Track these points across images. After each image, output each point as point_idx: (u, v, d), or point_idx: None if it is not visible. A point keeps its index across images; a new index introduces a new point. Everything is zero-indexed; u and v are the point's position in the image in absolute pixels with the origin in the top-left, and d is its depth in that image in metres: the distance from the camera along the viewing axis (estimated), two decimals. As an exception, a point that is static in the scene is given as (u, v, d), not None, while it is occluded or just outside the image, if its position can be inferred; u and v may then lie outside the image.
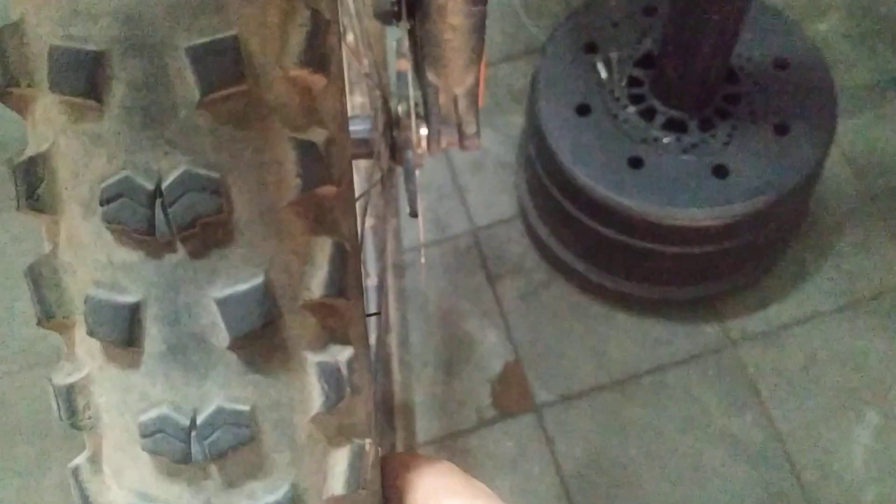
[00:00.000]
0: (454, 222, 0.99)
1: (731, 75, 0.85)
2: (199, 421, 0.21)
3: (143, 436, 0.22)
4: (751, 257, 0.88)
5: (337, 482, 0.23)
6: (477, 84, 0.39)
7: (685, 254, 0.84)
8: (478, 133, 0.41)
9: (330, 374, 0.22)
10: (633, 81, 0.86)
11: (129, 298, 0.21)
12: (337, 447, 0.23)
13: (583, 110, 0.85)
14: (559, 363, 0.92)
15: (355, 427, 0.23)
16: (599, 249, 0.88)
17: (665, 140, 0.83)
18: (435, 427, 0.89)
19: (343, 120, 0.23)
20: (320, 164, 0.20)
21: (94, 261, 0.21)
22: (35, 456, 0.91)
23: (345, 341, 0.23)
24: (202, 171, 0.19)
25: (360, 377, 0.23)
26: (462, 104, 0.40)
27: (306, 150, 0.20)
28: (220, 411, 0.21)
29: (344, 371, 0.22)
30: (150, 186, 0.19)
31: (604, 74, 0.86)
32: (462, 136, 0.41)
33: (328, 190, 0.21)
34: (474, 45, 0.37)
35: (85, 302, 0.21)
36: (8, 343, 0.97)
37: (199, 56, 0.19)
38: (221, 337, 0.21)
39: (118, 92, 0.19)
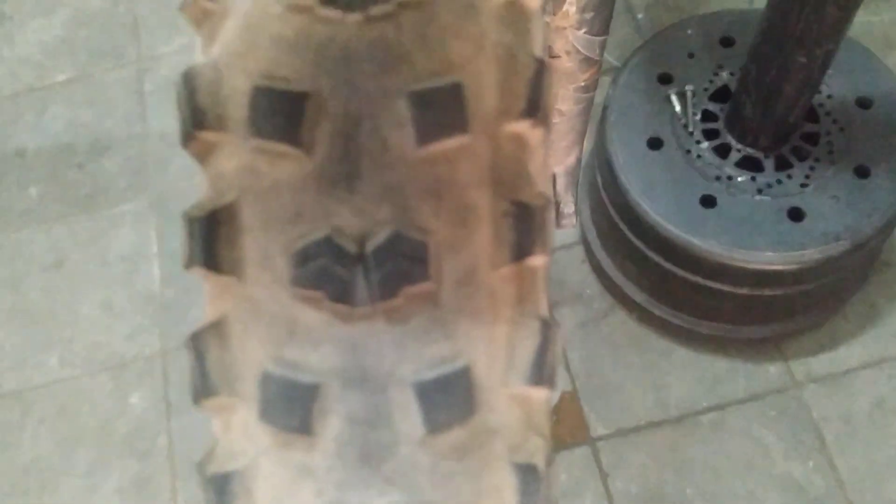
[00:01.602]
0: (515, 246, 0.98)
1: (810, 113, 0.82)
2: None
3: None
4: (820, 299, 0.86)
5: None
6: (578, 164, 0.38)
7: (754, 295, 0.82)
8: (576, 212, 0.40)
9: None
10: (708, 116, 0.84)
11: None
12: None
13: (654, 144, 0.83)
14: (617, 396, 0.91)
15: None
16: (663, 284, 0.86)
17: (739, 179, 0.81)
18: (489, 455, 0.89)
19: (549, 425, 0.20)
20: (539, 487, 0.18)
21: None
22: (95, 461, 0.93)
23: None
24: None
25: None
26: (561, 183, 0.39)
27: (528, 475, 0.18)
28: None
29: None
30: None
31: (678, 107, 0.84)
32: (559, 214, 0.40)
33: None
34: (580, 128, 0.37)
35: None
36: (73, 347, 0.99)
37: (428, 392, 0.17)
38: None
39: (334, 426, 0.17)
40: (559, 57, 0.32)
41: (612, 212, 0.85)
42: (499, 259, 0.18)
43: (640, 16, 1.10)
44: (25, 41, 1.19)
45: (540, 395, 0.19)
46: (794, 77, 0.73)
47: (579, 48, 0.32)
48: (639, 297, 0.90)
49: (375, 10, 0.15)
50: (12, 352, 0.99)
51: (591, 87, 0.33)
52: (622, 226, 0.84)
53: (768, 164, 0.81)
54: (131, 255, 1.03)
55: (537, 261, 0.19)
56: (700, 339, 0.91)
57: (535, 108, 0.18)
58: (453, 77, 0.17)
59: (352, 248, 0.17)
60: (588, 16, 0.31)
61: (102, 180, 1.08)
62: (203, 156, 0.19)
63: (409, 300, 0.17)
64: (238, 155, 0.18)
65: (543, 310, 0.19)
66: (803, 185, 0.80)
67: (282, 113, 0.17)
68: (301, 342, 0.17)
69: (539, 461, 0.19)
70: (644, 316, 0.92)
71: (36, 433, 0.94)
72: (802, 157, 0.81)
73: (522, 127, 0.18)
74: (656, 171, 0.82)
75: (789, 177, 0.80)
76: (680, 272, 0.82)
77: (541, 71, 0.18)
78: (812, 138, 0.82)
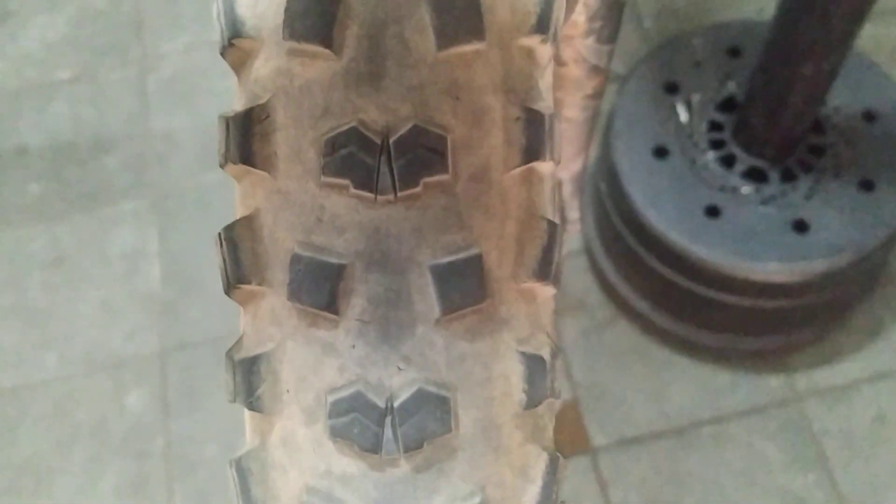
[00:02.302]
0: (517, 253, 0.98)
1: (816, 126, 0.82)
2: None
3: None
4: (824, 312, 0.86)
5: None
6: (583, 171, 0.38)
7: (757, 307, 0.81)
8: (581, 218, 0.40)
9: None
10: (714, 125, 0.84)
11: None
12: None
13: (660, 153, 0.83)
14: (618, 405, 0.90)
15: None
16: (667, 294, 0.86)
17: (744, 190, 0.80)
18: (487, 462, 0.89)
19: (553, 325, 0.22)
20: (545, 379, 0.20)
21: (312, 467, 0.20)
22: (92, 460, 0.92)
23: None
24: (434, 390, 0.19)
25: None
26: (566, 189, 0.39)
27: (534, 364, 0.19)
28: None
29: None
30: (381, 404, 0.18)
31: (683, 117, 0.84)
32: (564, 220, 0.40)
33: (548, 402, 0.20)
34: (586, 135, 0.36)
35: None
36: (71, 345, 0.98)
37: (444, 275, 0.18)
38: None
39: (357, 305, 0.18)
40: (567, 65, 0.32)
41: (617, 220, 0.85)
42: (510, 160, 0.19)
43: (647, 24, 1.10)
44: (29, 38, 1.19)
45: (546, 292, 0.20)
46: (800, 89, 0.72)
47: (587, 57, 0.32)
48: (642, 306, 0.89)
49: None
50: (11, 349, 0.98)
51: (598, 95, 0.33)
52: (626, 235, 0.84)
53: (774, 175, 0.81)
54: (131, 253, 1.03)
55: (545, 167, 0.20)
56: (702, 349, 0.90)
57: (545, 27, 0.19)
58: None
59: (376, 138, 0.18)
60: (596, 25, 0.31)
61: (104, 178, 1.08)
62: (239, 64, 0.20)
63: (427, 189, 0.19)
64: (273, 59, 0.19)
65: (550, 213, 0.20)
66: (808, 197, 0.79)
67: (314, 15, 0.18)
68: (328, 228, 0.19)
69: (546, 354, 0.20)
70: (647, 326, 0.92)
71: (33, 431, 0.94)
72: (808, 169, 0.81)
73: (533, 42, 0.19)
74: (661, 181, 0.81)
75: (794, 188, 0.80)
76: (683, 282, 0.81)
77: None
78: (818, 150, 0.82)
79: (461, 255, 0.18)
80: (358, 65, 0.18)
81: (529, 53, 0.19)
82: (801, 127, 0.79)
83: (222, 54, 0.20)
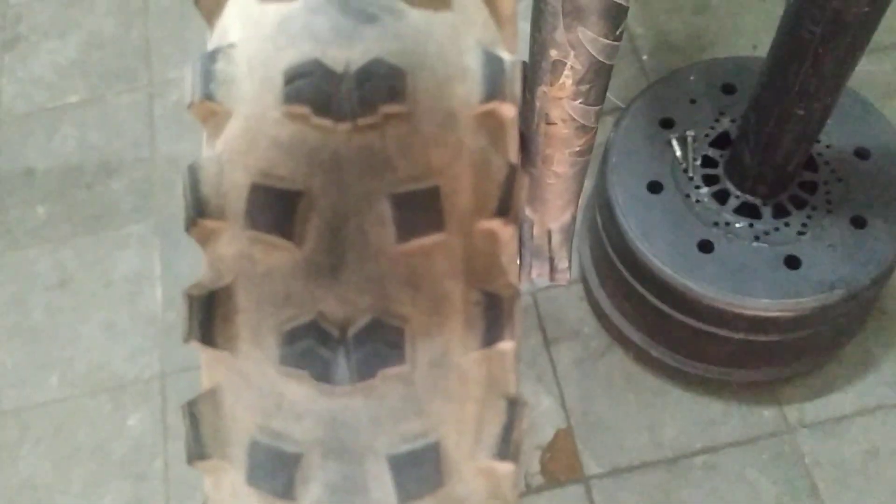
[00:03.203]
0: (514, 282, 0.99)
1: (809, 162, 0.83)
2: None
3: None
4: (816, 346, 0.87)
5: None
6: (572, 221, 0.39)
7: (749, 340, 0.82)
8: (569, 268, 0.41)
9: None
10: (708, 161, 0.85)
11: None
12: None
13: (654, 187, 0.84)
14: (611, 435, 0.91)
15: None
16: (660, 326, 0.87)
17: (737, 225, 0.82)
18: (482, 489, 0.90)
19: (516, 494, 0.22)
20: None
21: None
22: (91, 481, 0.93)
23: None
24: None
25: None
26: (556, 239, 0.40)
27: None
28: None
29: None
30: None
31: (678, 152, 0.86)
32: (553, 269, 0.41)
33: None
34: (575, 188, 0.38)
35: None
36: (73, 366, 0.99)
37: (401, 464, 0.18)
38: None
39: (314, 492, 0.19)
40: (555, 124, 0.33)
41: (611, 252, 0.86)
42: (470, 344, 0.19)
43: (644, 57, 1.12)
44: (39, 62, 1.21)
45: (506, 468, 0.20)
46: (792, 128, 0.74)
47: (575, 117, 0.33)
48: (636, 336, 0.91)
49: (363, 121, 0.17)
50: (13, 370, 0.99)
51: (586, 152, 0.34)
52: (620, 267, 0.85)
53: (766, 211, 0.82)
54: (135, 276, 1.04)
55: (506, 346, 0.20)
56: (695, 380, 0.91)
57: (507, 208, 0.19)
58: (432, 181, 0.18)
59: (334, 332, 0.19)
60: (584, 88, 0.32)
61: (109, 202, 1.10)
62: (204, 240, 0.20)
63: (385, 380, 0.19)
64: (236, 242, 0.20)
65: (511, 390, 0.20)
66: (800, 234, 0.81)
67: (276, 209, 0.19)
68: (286, 414, 0.19)
69: None
70: (641, 356, 0.93)
71: (33, 452, 0.95)
72: (800, 206, 0.82)
73: (495, 224, 0.19)
74: (655, 215, 0.83)
75: (787, 224, 0.81)
76: (677, 315, 0.83)
77: (512, 174, 0.19)
78: (810, 187, 0.83)
79: (419, 444, 0.18)
80: (318, 256, 0.19)
81: (491, 235, 0.19)
82: (793, 164, 0.80)
83: (187, 230, 0.21)
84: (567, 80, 0.31)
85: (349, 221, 0.18)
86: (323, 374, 0.19)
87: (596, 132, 0.35)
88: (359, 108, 0.17)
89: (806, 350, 0.87)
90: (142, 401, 0.97)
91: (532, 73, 0.32)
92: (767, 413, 0.91)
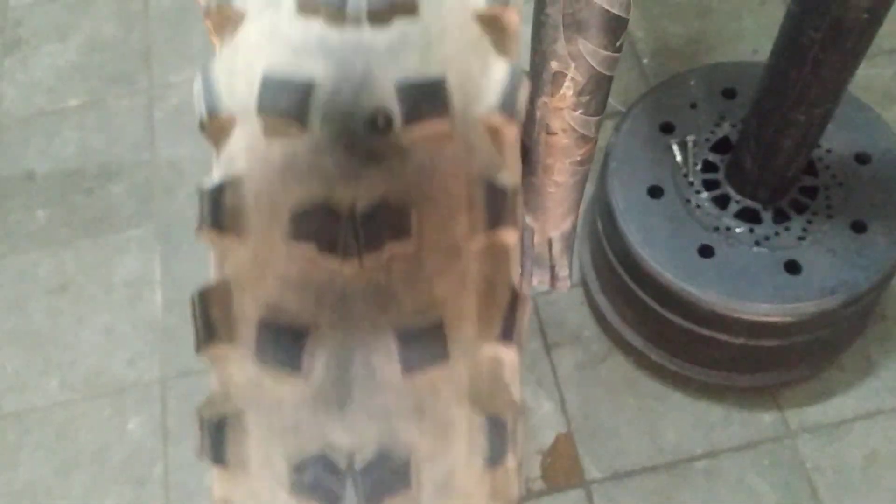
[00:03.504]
0: (515, 286, 0.99)
1: (809, 167, 0.83)
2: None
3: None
4: (816, 351, 0.87)
5: None
6: (573, 229, 0.39)
7: (750, 345, 0.82)
8: (570, 275, 0.41)
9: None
10: (708, 166, 0.85)
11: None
12: None
13: (655, 192, 0.84)
14: (611, 439, 0.91)
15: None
16: (661, 331, 0.87)
17: (738, 230, 0.82)
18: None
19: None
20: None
21: None
22: (91, 486, 0.93)
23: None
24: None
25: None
26: (556, 247, 0.40)
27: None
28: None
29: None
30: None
31: (679, 157, 0.86)
32: (554, 277, 0.41)
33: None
34: (575, 196, 0.38)
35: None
36: (74, 370, 0.99)
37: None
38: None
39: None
40: (556, 134, 0.33)
41: (612, 257, 0.86)
42: (474, 465, 0.20)
43: (645, 61, 1.12)
44: (39, 65, 1.21)
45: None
46: (792, 133, 0.74)
47: (575, 127, 0.33)
48: (636, 341, 0.91)
49: (369, 260, 0.17)
50: (13, 374, 0.99)
51: (586, 161, 0.35)
52: (621, 271, 0.85)
53: (766, 216, 0.82)
54: (135, 281, 1.04)
55: (510, 463, 0.21)
56: (696, 385, 0.91)
57: (510, 333, 0.20)
58: (436, 313, 0.19)
59: (342, 462, 0.19)
60: (584, 98, 0.32)
61: (110, 205, 1.10)
62: (214, 361, 0.21)
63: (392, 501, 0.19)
64: (246, 369, 0.21)
65: (513, 500, 0.21)
66: (801, 238, 0.81)
67: (285, 344, 0.20)
68: None
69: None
70: (641, 360, 0.93)
71: (33, 456, 0.95)
72: (801, 211, 0.82)
73: (498, 349, 0.19)
74: (656, 220, 0.83)
75: (787, 229, 0.81)
76: (677, 320, 0.83)
77: (515, 300, 0.20)
78: (810, 192, 0.83)
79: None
80: (326, 389, 0.19)
81: (496, 361, 0.20)
82: (793, 169, 0.80)
83: (197, 352, 0.22)
84: (568, 91, 0.31)
85: (356, 355, 0.19)
86: (332, 502, 0.20)
87: (596, 142, 0.35)
88: (365, 248, 0.18)
89: (806, 355, 0.87)
90: (142, 405, 0.96)
91: (533, 84, 0.32)
92: (768, 418, 0.91)
